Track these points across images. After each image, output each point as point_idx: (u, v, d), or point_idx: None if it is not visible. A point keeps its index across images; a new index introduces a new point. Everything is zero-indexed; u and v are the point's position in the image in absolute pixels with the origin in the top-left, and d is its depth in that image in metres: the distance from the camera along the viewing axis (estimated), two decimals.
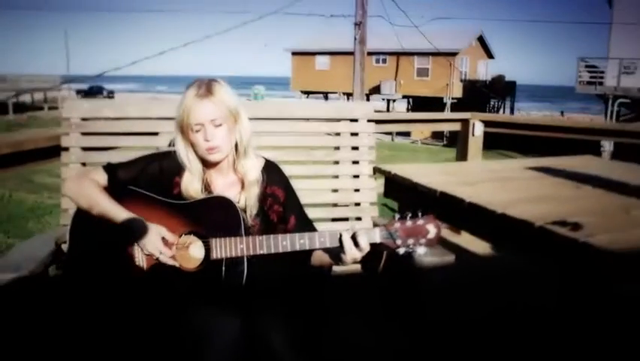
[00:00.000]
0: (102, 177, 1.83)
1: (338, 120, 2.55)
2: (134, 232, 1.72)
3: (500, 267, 3.29)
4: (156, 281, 1.73)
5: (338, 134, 2.56)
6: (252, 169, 1.87)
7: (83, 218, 1.79)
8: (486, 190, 2.18)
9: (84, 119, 2.33)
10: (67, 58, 46.60)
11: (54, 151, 2.48)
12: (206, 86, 1.76)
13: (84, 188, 1.78)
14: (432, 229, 1.72)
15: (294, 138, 2.54)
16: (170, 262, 1.72)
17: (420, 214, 1.73)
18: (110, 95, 47.73)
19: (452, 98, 31.25)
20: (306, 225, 1.95)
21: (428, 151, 22.37)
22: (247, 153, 1.85)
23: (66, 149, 2.31)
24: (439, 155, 19.93)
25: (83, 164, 2.32)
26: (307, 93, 36.41)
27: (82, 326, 1.74)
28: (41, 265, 1.90)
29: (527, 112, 48.55)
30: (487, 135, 4.62)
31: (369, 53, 22.94)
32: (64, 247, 2.13)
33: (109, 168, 1.86)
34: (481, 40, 35.10)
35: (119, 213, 1.74)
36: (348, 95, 30.09)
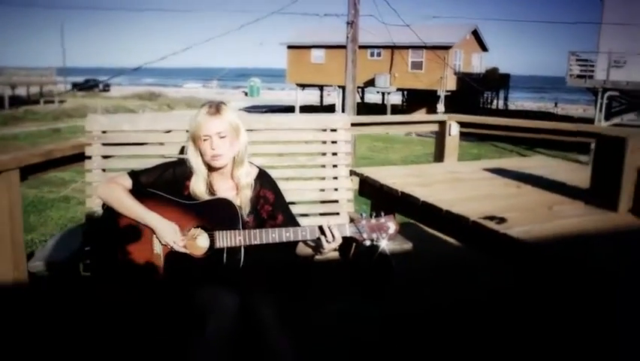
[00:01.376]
0: (127, 182, 2.25)
1: (320, 130, 2.98)
2: (154, 227, 2.15)
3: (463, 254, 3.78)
4: (171, 265, 2.16)
5: (325, 142, 2.99)
6: (245, 176, 2.30)
7: (111, 215, 2.22)
8: (439, 190, 2.60)
9: (104, 132, 2.75)
10: (64, 51, 46.73)
11: (77, 158, 2.91)
12: (216, 106, 2.21)
13: (114, 192, 2.20)
14: (392, 226, 2.18)
15: (284, 145, 2.96)
16: (182, 250, 2.15)
17: (382, 214, 2.19)
18: (106, 88, 47.75)
19: (446, 91, 31.54)
20: (291, 221, 2.39)
21: (422, 143, 22.66)
22: (242, 163, 2.29)
23: (89, 157, 2.71)
24: (433, 147, 20.25)
25: (103, 170, 2.74)
26: (303, 86, 36.73)
27: (111, 301, 2.18)
28: (73, 254, 2.33)
29: (521, 103, 48.99)
30: None
31: (364, 47, 23.32)
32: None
33: (133, 174, 2.28)
34: (475, 33, 35.35)
35: (142, 212, 2.16)
36: (344, 87, 30.43)
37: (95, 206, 2.65)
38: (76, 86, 44.93)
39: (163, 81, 72.98)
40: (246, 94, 51.39)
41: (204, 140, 2.19)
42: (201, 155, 2.24)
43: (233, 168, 2.29)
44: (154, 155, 2.78)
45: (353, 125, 3.08)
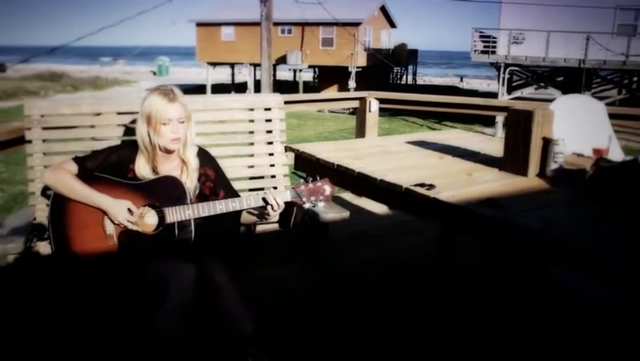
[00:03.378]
0: (74, 167, 2.31)
1: (256, 109, 3.13)
2: (105, 208, 2.24)
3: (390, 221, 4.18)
4: (125, 244, 2.26)
5: (261, 120, 3.14)
6: (194, 159, 2.43)
7: (60, 200, 2.28)
8: (371, 162, 2.84)
9: (42, 116, 2.77)
10: None
11: (15, 142, 2.92)
12: (172, 92, 2.30)
13: (61, 177, 2.26)
14: (327, 188, 2.39)
15: (223, 125, 3.09)
16: (135, 227, 2.26)
17: (318, 178, 2.39)
18: (1, 68, 45.01)
19: (357, 67, 32.12)
20: (233, 195, 2.53)
21: (334, 119, 23.07)
22: (191, 146, 2.42)
23: (29, 141, 2.73)
24: (346, 122, 20.66)
25: (44, 153, 2.76)
26: (214, 64, 36.23)
27: (69, 283, 2.27)
28: (25, 238, 2.36)
29: (429, 79, 50.56)
30: None
31: (275, 24, 23.31)
32: (36, 223, 2.61)
33: (78, 159, 2.34)
34: (383, 10, 36.06)
35: (92, 194, 2.24)
36: (255, 65, 30.34)
37: (37, 190, 2.69)
38: None
39: (65, 60, 69.54)
40: (155, 73, 50.04)
41: (164, 124, 2.29)
42: (153, 136, 2.33)
43: (182, 149, 2.40)
44: (94, 138, 2.83)
45: (285, 103, 3.24)
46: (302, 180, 2.41)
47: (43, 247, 2.57)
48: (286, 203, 2.38)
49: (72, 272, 2.28)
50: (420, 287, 3.37)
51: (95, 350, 2.33)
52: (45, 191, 2.66)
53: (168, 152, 2.38)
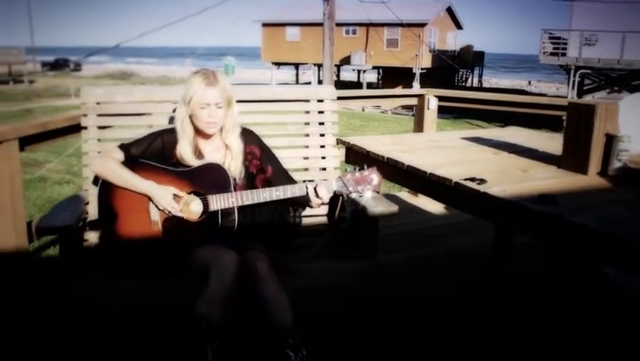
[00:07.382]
0: (119, 155, 2.36)
1: (307, 101, 3.11)
2: (151, 194, 2.27)
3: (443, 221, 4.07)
4: (169, 231, 2.29)
5: (313, 112, 3.12)
6: (237, 143, 2.43)
7: (108, 185, 2.33)
8: (422, 156, 2.76)
9: (98, 103, 2.83)
10: (31, 29, 45.70)
11: (72, 129, 3.00)
12: (213, 75, 2.31)
13: (108, 165, 2.33)
14: (375, 178, 2.34)
15: (276, 116, 3.08)
16: (179, 214, 2.27)
17: (365, 167, 2.34)
18: (77, 67, 46.84)
19: (421, 69, 31.75)
20: (283, 173, 2.54)
21: (397, 121, 22.81)
22: (234, 130, 2.42)
23: (85, 128, 2.79)
24: (409, 124, 20.34)
25: (99, 140, 2.82)
26: (278, 64, 36.60)
27: (115, 262, 2.31)
28: (78, 219, 2.41)
29: (495, 81, 49.46)
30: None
31: (339, 24, 23.40)
32: (89, 207, 2.67)
33: (123, 147, 2.39)
34: (449, 11, 35.52)
35: (138, 181, 2.29)
36: (319, 65, 30.50)
37: (91, 175, 2.74)
38: (46, 66, 44.02)
39: (136, 60, 72.01)
40: None
41: (202, 108, 2.30)
42: (192, 119, 2.35)
43: (222, 133, 2.42)
44: (146, 125, 2.86)
45: (338, 98, 3.21)
46: (348, 170, 2.37)
47: (95, 230, 2.62)
48: (333, 193, 2.35)
49: (118, 256, 2.31)
50: (469, 291, 3.26)
51: (135, 333, 2.35)
52: (97, 178, 2.71)
53: (207, 135, 2.38)
